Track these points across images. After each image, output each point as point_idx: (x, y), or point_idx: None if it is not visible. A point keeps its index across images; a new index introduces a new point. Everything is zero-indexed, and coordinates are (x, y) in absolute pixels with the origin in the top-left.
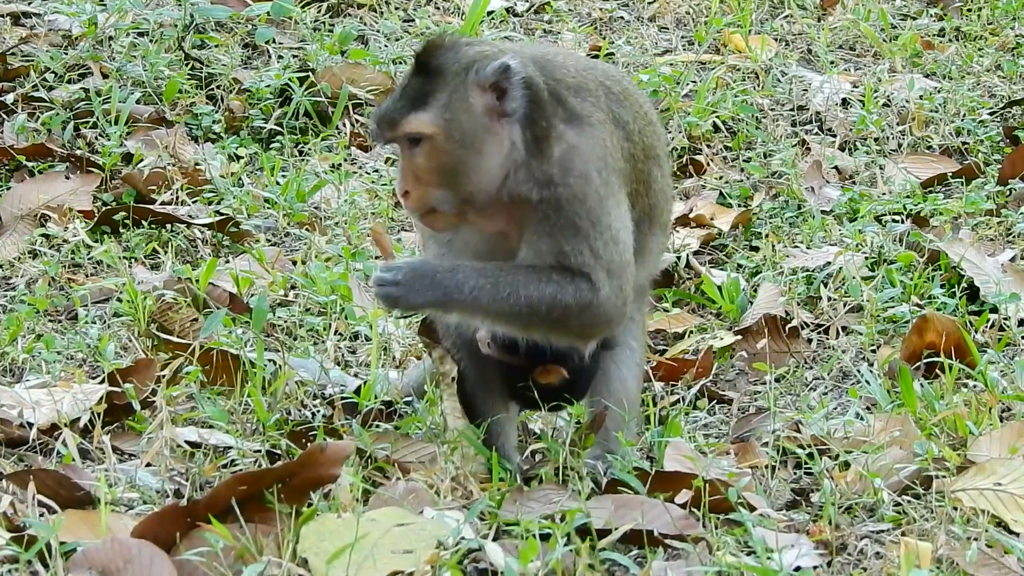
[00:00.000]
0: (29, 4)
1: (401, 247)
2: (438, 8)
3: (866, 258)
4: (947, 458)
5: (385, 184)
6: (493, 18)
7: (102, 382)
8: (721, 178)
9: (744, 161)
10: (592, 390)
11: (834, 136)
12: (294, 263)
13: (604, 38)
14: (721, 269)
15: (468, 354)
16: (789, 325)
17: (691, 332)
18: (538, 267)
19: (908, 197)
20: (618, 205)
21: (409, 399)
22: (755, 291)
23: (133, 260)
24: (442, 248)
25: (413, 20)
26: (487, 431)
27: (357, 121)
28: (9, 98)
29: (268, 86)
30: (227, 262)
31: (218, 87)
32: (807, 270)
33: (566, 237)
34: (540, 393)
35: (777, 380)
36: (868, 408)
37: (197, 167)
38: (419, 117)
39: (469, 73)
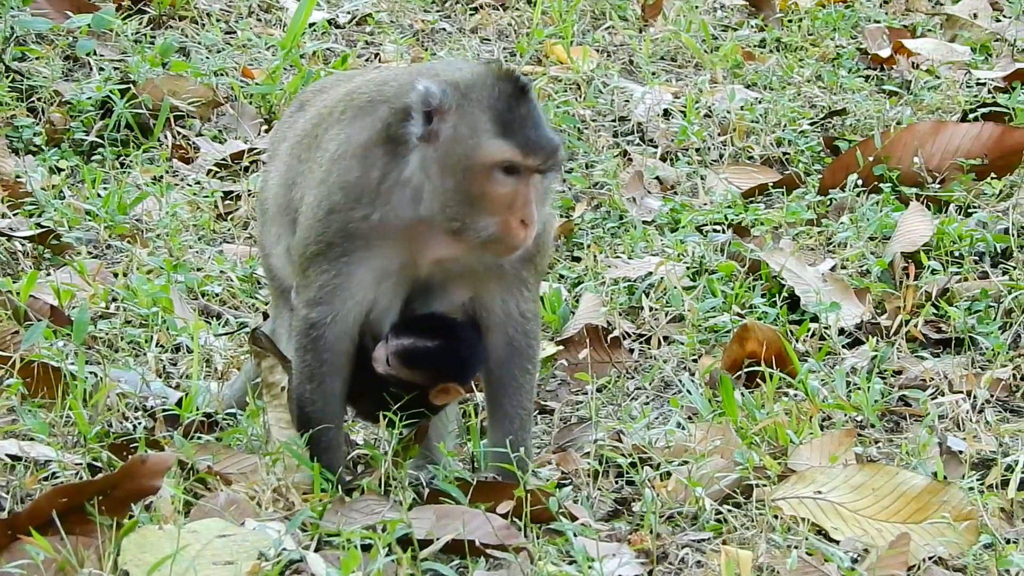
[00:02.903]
0: None
1: (223, 259)
2: (259, 20)
3: (687, 268)
4: (768, 467)
5: (207, 196)
6: (315, 30)
7: None
8: None
9: (566, 172)
10: None
11: (656, 147)
12: (115, 275)
13: (426, 50)
14: (543, 280)
15: (333, 365)
16: (611, 335)
17: None
18: None
19: (729, 207)
20: None
21: (231, 410)
22: (577, 301)
23: None
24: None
25: (235, 32)
26: (317, 441)
27: (179, 133)
28: None
29: (89, 98)
30: (48, 274)
31: (39, 99)
32: (629, 280)
33: None
34: (430, 409)
35: (599, 390)
36: (689, 418)
37: (18, 180)
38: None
39: None
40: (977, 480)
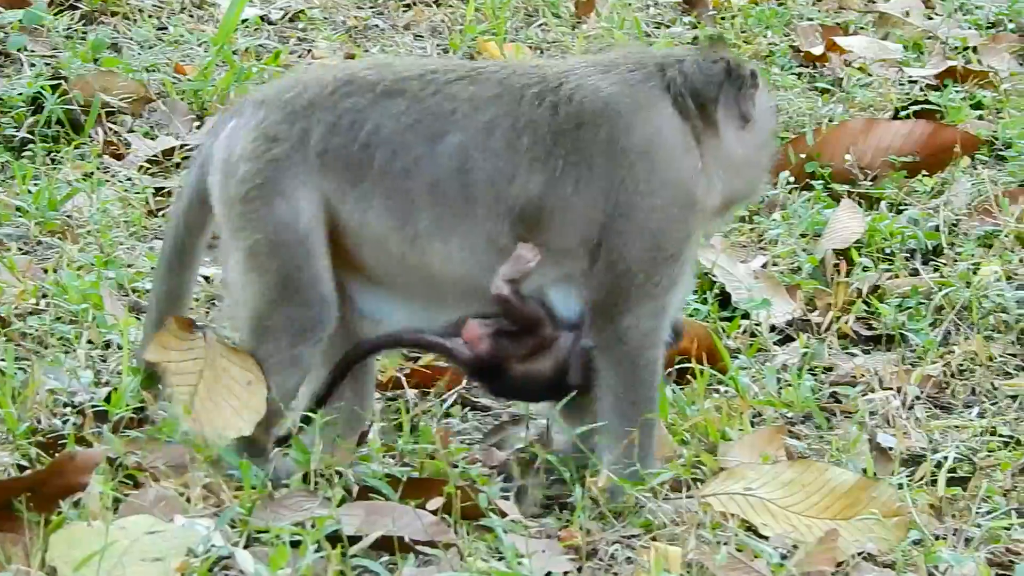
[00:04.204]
0: None
1: (154, 255)
2: (191, 16)
3: None
4: (704, 462)
5: (138, 192)
6: (247, 26)
7: None
8: None
9: None
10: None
11: None
12: (45, 271)
13: (359, 46)
14: None
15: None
16: None
17: None
18: None
19: None
20: None
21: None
22: None
23: None
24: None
25: (167, 28)
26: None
27: (110, 129)
28: None
29: (20, 94)
30: None
31: None
32: None
33: None
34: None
35: None
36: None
37: None
38: None
39: None
40: (906, 476)
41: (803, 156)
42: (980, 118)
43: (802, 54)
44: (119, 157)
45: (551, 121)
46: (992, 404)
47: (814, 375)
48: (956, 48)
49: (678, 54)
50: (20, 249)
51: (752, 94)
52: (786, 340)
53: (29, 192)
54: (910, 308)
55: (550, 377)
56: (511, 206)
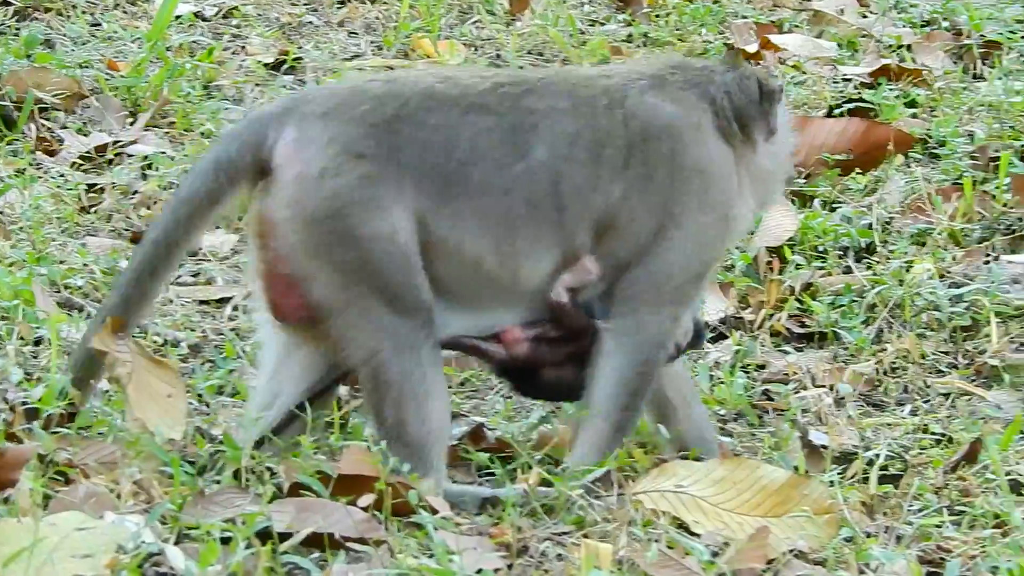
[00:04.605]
0: None
1: (87, 252)
2: (125, 12)
3: None
4: (636, 459)
5: (71, 188)
6: (181, 22)
7: None
8: None
9: None
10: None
11: None
12: None
13: (293, 43)
14: None
15: None
16: None
17: None
18: None
19: None
20: None
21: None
22: None
23: None
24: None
25: (100, 24)
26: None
27: (43, 125)
28: None
29: None
30: None
31: None
32: None
33: None
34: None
35: (461, 384)
36: (552, 411)
37: None
38: None
39: None
40: (838, 474)
41: None
42: (914, 116)
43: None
44: (52, 153)
45: (624, 133)
46: (924, 402)
47: (747, 373)
48: (890, 46)
49: (712, 69)
50: None
51: (777, 108)
52: (719, 338)
53: None
54: (843, 306)
55: (576, 381)
56: (594, 217)
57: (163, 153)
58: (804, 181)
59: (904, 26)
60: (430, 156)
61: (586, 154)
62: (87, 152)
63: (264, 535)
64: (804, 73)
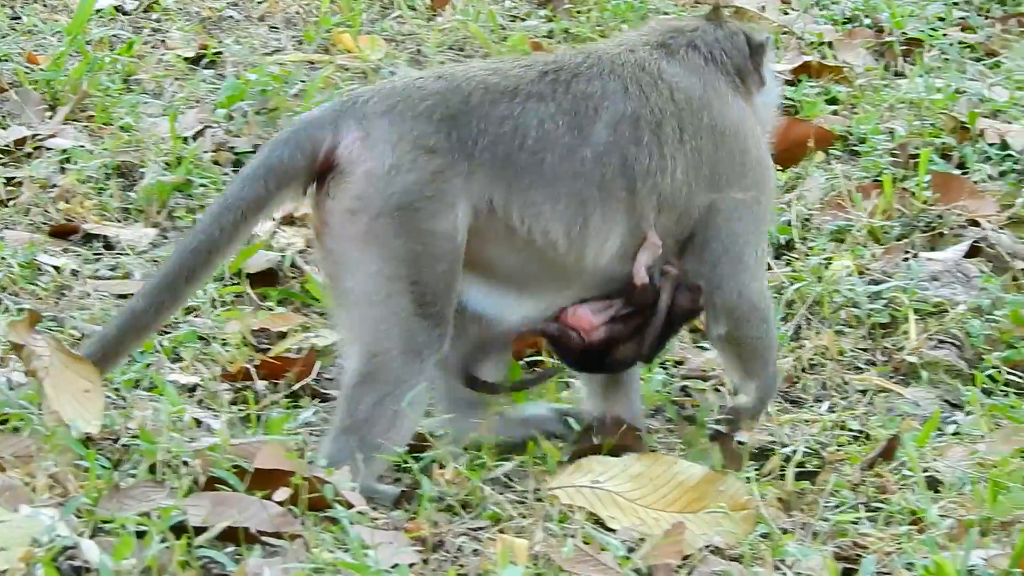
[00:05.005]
0: None
1: (4, 245)
2: (45, 6)
3: None
4: (549, 454)
5: None
6: (101, 16)
7: None
8: None
9: None
10: None
11: None
12: None
13: (213, 37)
14: None
15: None
16: None
17: (295, 331)
18: None
19: None
20: None
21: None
22: None
23: None
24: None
25: (20, 17)
26: None
27: None
28: None
29: None
30: None
31: None
32: None
33: None
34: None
35: None
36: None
37: None
38: None
39: None
40: (755, 470)
41: None
42: (835, 113)
43: None
44: None
45: (673, 108)
46: (842, 398)
47: (665, 369)
48: (812, 43)
49: (703, 29)
50: None
51: (765, 60)
52: None
53: None
54: None
55: (641, 349)
56: (659, 193)
57: (82, 147)
58: None
59: (826, 23)
60: (501, 147)
61: (647, 133)
62: (5, 146)
63: (179, 529)
64: None
